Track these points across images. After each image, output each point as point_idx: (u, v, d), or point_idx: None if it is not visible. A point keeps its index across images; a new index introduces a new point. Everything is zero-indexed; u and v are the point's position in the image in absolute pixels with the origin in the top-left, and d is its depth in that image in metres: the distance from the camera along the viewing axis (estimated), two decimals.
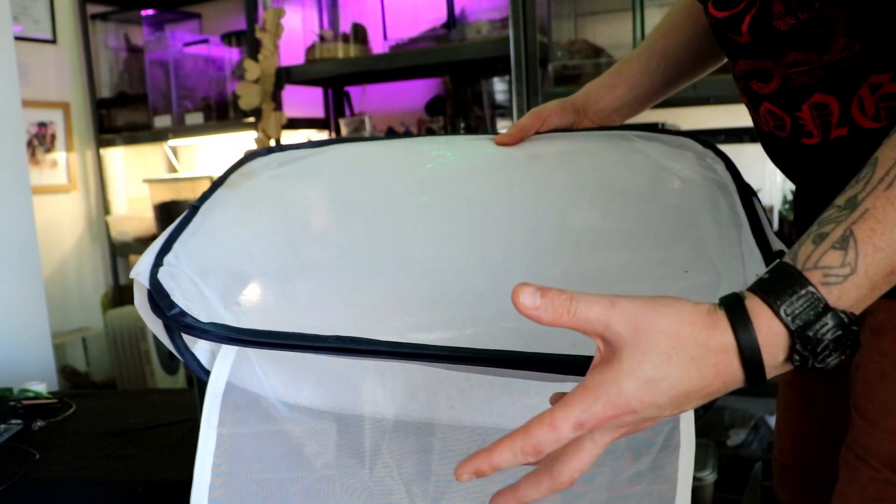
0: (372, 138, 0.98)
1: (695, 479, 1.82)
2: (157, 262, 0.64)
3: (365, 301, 0.64)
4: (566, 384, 0.62)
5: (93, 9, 3.00)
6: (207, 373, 0.64)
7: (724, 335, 0.46)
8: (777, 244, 0.67)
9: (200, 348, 0.65)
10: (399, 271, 0.67)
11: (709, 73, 0.90)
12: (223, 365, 0.64)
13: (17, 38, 2.13)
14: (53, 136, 2.92)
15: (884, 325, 0.63)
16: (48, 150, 2.91)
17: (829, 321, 0.45)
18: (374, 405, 0.65)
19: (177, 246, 0.67)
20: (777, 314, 0.46)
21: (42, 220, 2.17)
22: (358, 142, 0.92)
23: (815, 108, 0.64)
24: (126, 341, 2.81)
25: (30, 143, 2.82)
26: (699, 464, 1.85)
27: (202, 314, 0.61)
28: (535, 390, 0.63)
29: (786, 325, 0.45)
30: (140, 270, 0.64)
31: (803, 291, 0.46)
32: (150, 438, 1.16)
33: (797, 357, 0.46)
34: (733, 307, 0.47)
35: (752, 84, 0.68)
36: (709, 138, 0.82)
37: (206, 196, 0.76)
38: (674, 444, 0.63)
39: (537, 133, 0.85)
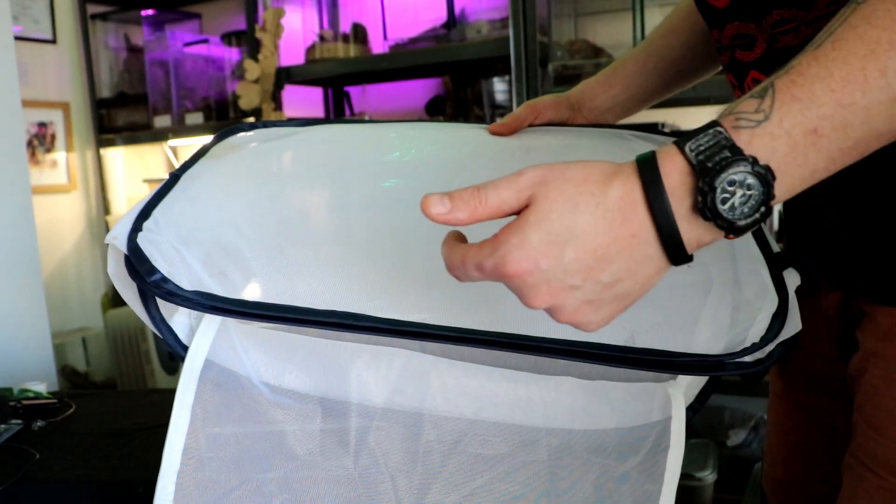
0: (361, 121, 0.96)
1: (695, 479, 1.83)
2: (136, 228, 0.59)
3: (362, 276, 0.61)
4: (564, 377, 0.62)
5: (93, 9, 3.00)
6: (185, 348, 0.59)
7: (628, 177, 0.46)
8: (774, 246, 0.66)
9: (178, 322, 0.61)
10: (394, 251, 0.65)
11: (704, 78, 0.89)
12: (203, 339, 0.59)
13: (17, 38, 2.13)
14: (53, 136, 2.92)
15: (889, 331, 0.62)
16: (48, 150, 2.90)
17: (728, 154, 0.44)
18: (362, 391, 0.60)
19: (156, 213, 0.62)
20: (682, 150, 0.45)
21: (42, 220, 2.17)
22: (346, 123, 0.89)
23: None
24: (126, 341, 2.81)
25: (30, 143, 2.81)
26: (699, 464, 1.84)
27: (185, 282, 0.56)
28: (527, 382, 0.62)
29: (688, 160, 0.45)
30: (116, 235, 0.58)
31: (711, 131, 0.45)
32: (150, 438, 1.16)
33: (699, 197, 0.44)
34: (643, 154, 0.47)
35: (736, 54, 0.67)
36: None
37: (187, 165, 0.71)
38: (664, 445, 0.62)
39: (531, 126, 0.84)
